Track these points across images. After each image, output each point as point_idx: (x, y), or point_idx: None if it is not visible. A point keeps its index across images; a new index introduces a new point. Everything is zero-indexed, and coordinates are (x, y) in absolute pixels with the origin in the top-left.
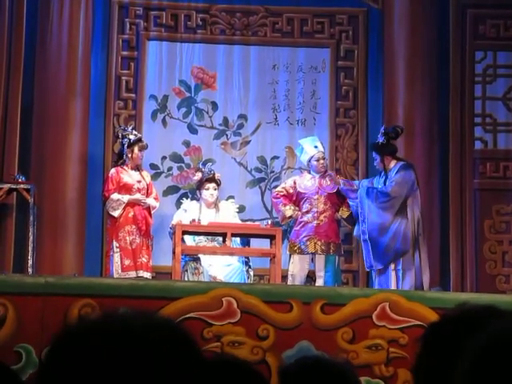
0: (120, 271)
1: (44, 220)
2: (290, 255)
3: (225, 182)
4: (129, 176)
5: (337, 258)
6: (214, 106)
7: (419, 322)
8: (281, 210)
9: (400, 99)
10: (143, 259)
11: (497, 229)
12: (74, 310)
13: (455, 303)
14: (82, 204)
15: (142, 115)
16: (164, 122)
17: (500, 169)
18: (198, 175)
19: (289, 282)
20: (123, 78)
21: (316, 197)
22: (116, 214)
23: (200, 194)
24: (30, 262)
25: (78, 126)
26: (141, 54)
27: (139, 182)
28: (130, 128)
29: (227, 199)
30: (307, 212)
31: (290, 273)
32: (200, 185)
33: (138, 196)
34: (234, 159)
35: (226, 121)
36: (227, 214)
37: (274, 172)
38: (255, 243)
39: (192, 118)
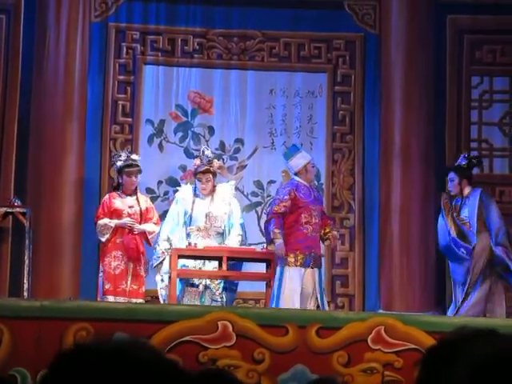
0: (102, 294)
1: (40, 244)
2: (283, 269)
3: None
4: (121, 201)
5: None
6: (211, 130)
7: (414, 346)
8: (272, 232)
9: (397, 124)
10: (133, 286)
11: None
12: (69, 334)
13: (451, 327)
14: (78, 228)
15: (138, 139)
16: (160, 146)
17: (496, 194)
18: (197, 162)
19: (287, 300)
20: (120, 102)
21: (313, 207)
22: (103, 238)
23: (195, 183)
24: (25, 286)
25: (74, 150)
26: (137, 78)
27: (131, 207)
28: (123, 152)
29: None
30: (306, 223)
31: (287, 289)
32: (194, 174)
33: (125, 220)
34: None
35: (222, 145)
36: (223, 199)
37: (270, 196)
38: (250, 267)
39: (188, 142)
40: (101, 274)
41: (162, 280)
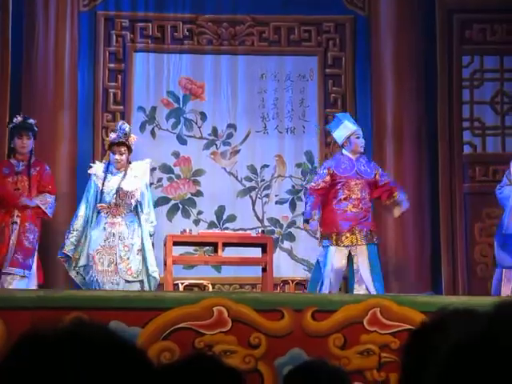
0: None
1: None
2: (325, 247)
3: (215, 192)
4: (11, 168)
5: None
6: (203, 116)
7: (410, 327)
8: (308, 212)
9: (388, 105)
10: (17, 256)
11: (487, 232)
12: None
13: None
14: (71, 213)
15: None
16: (153, 133)
17: (489, 172)
18: (112, 135)
19: (325, 280)
20: (111, 90)
21: (354, 182)
22: None
23: (109, 156)
24: None
25: (66, 140)
26: (128, 65)
27: (17, 173)
28: (19, 116)
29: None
30: (345, 199)
31: (328, 268)
32: (109, 147)
33: None
34: (224, 169)
35: (215, 131)
36: (135, 175)
37: (264, 181)
38: (246, 252)
39: (181, 128)
40: None
41: (78, 273)
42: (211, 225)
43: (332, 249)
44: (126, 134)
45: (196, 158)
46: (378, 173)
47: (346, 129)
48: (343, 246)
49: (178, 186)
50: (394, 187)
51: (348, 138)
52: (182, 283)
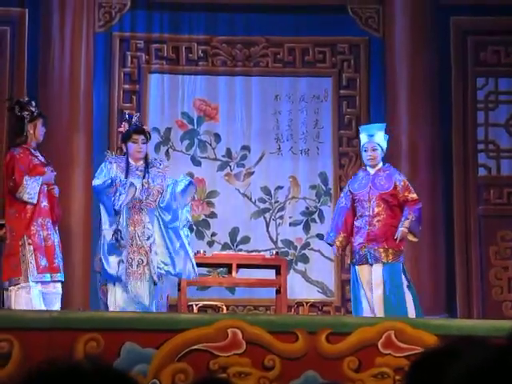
0: (36, 273)
1: None
2: (353, 268)
3: (229, 214)
4: (35, 157)
5: (400, 266)
6: (217, 137)
7: None
8: (329, 237)
9: (403, 127)
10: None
11: (502, 255)
12: (79, 345)
13: (460, 330)
14: (86, 239)
15: None
16: (167, 154)
17: (504, 195)
18: (125, 126)
19: (363, 300)
20: (125, 111)
21: (366, 198)
22: (35, 199)
23: (126, 149)
24: None
25: (81, 161)
26: (143, 87)
27: (47, 165)
28: (26, 99)
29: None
30: (360, 216)
31: (359, 287)
32: (127, 137)
33: (51, 175)
34: (238, 190)
35: (229, 152)
36: (157, 170)
37: (278, 202)
38: (260, 273)
39: (195, 150)
40: (29, 249)
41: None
42: (225, 246)
43: (356, 267)
44: (140, 122)
45: (210, 180)
46: (398, 186)
47: (361, 140)
48: (361, 263)
49: (191, 208)
50: (409, 208)
51: (360, 151)
52: (196, 304)
